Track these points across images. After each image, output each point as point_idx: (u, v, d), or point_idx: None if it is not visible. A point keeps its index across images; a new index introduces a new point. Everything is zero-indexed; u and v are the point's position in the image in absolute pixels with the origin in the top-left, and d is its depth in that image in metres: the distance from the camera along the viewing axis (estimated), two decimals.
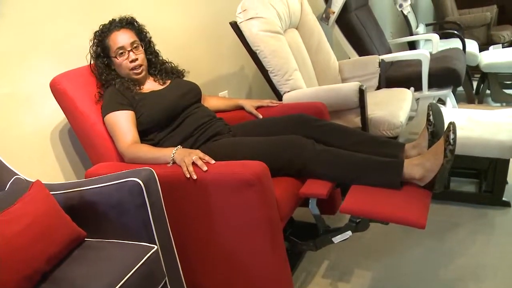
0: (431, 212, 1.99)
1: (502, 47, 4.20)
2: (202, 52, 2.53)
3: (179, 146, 1.48)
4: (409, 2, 3.69)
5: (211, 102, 1.98)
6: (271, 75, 2.18)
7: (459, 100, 3.51)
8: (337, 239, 1.51)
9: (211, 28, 2.56)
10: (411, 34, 3.90)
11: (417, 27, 4.09)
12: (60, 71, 1.62)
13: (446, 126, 1.30)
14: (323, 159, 1.47)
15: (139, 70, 1.70)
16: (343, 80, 2.66)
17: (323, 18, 2.94)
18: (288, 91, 2.18)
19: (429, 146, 1.44)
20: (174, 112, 1.68)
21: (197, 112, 1.75)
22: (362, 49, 3.02)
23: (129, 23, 1.71)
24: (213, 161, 1.39)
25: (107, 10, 1.85)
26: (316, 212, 1.52)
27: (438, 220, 1.97)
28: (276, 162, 1.49)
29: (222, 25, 2.41)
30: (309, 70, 2.49)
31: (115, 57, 1.66)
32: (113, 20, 1.69)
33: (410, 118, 2.72)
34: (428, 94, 2.78)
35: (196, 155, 1.39)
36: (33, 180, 1.28)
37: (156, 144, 1.65)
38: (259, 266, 1.42)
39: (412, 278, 1.63)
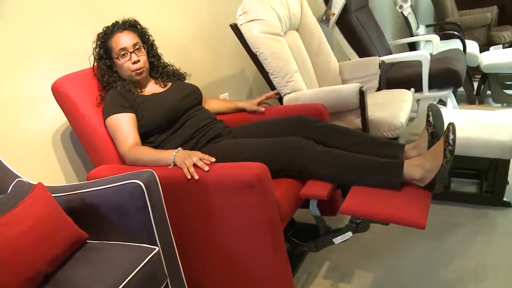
0: (431, 213, 1.99)
1: (503, 48, 4.20)
2: (203, 54, 2.54)
3: (179, 148, 1.49)
4: (409, 3, 3.70)
5: (212, 104, 1.99)
6: (271, 77, 2.19)
7: (459, 100, 3.52)
8: (337, 240, 1.52)
9: (211, 30, 2.57)
10: (412, 35, 3.90)
11: (417, 28, 4.10)
12: (62, 74, 1.63)
13: (445, 126, 1.30)
14: (323, 160, 1.48)
15: (140, 71, 1.71)
16: (344, 82, 2.66)
17: (323, 20, 2.95)
18: (289, 93, 2.19)
19: (429, 146, 1.44)
20: (175, 115, 1.69)
21: (197, 114, 1.75)
22: (362, 51, 3.02)
23: (132, 26, 1.72)
24: (213, 159, 1.40)
25: (109, 13, 1.86)
26: (317, 213, 1.52)
27: (438, 220, 1.97)
28: (277, 163, 1.50)
29: (223, 27, 2.42)
30: (309, 72, 2.50)
31: (117, 58, 1.67)
32: (116, 22, 1.70)
33: (410, 119, 2.73)
34: (429, 95, 2.79)
35: (196, 156, 1.40)
36: (35, 183, 1.29)
37: (157, 146, 1.65)
38: (260, 267, 1.43)
39: (412, 279, 1.64)
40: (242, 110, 1.97)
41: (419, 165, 1.36)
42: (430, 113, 1.45)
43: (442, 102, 3.08)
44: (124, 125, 1.59)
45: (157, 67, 1.83)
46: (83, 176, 1.83)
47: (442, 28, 4.74)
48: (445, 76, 2.80)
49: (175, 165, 1.43)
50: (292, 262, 1.68)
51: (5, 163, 1.45)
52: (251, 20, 2.11)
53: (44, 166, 1.69)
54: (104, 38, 1.68)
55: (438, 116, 1.47)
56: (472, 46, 3.69)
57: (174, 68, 1.89)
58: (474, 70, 3.63)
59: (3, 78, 1.53)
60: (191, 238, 1.49)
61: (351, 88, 2.01)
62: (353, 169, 1.45)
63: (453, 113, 2.31)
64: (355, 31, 3.01)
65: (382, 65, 2.55)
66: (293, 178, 1.55)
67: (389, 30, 4.53)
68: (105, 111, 1.62)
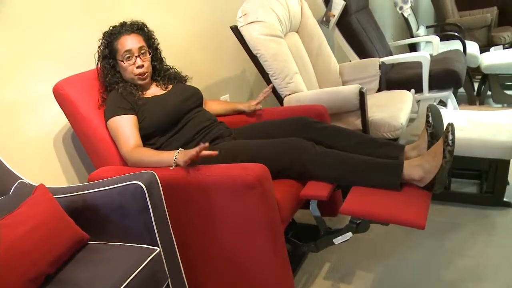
0: (432, 213, 2.00)
1: (503, 49, 4.20)
2: (204, 57, 2.55)
3: (181, 149, 1.49)
4: (409, 5, 3.71)
5: (212, 106, 2.00)
6: (271, 78, 2.19)
7: (460, 101, 3.52)
8: (337, 240, 1.52)
9: (212, 33, 2.58)
10: (412, 36, 3.91)
11: (417, 29, 4.10)
12: (63, 76, 1.63)
13: (445, 127, 1.31)
14: (324, 161, 1.48)
15: (144, 76, 1.72)
16: (344, 83, 2.67)
17: (324, 21, 2.96)
18: (289, 94, 2.20)
19: (429, 147, 1.45)
20: (176, 117, 1.70)
21: (198, 116, 1.76)
22: (362, 52, 3.03)
23: (139, 29, 1.73)
24: (215, 153, 1.40)
25: (110, 16, 1.87)
26: (317, 214, 1.53)
27: (439, 221, 1.97)
28: (277, 164, 1.51)
29: (223, 29, 2.43)
30: (309, 73, 2.51)
31: (122, 60, 1.68)
32: (124, 23, 1.70)
33: (411, 120, 2.73)
34: (429, 96, 2.79)
35: (195, 151, 1.38)
36: (37, 184, 1.29)
37: (158, 148, 1.66)
38: (260, 267, 1.43)
39: (413, 279, 1.64)
40: (242, 112, 1.98)
41: (419, 165, 1.36)
42: (430, 114, 1.46)
43: (443, 103, 3.08)
44: (126, 127, 1.59)
45: (159, 70, 1.83)
46: (84, 177, 1.84)
47: (443, 29, 4.75)
48: (445, 77, 2.80)
49: (176, 165, 1.44)
50: (293, 263, 1.68)
51: (7, 164, 1.46)
52: (251, 22, 2.12)
53: (46, 167, 1.70)
54: (111, 38, 1.68)
55: (438, 117, 1.48)
56: (473, 47, 3.70)
57: (176, 70, 1.90)
58: (475, 71, 3.63)
59: (5, 80, 1.54)
60: (192, 238, 1.50)
61: (351, 89, 2.01)
62: (353, 169, 1.46)
63: (453, 113, 2.31)
64: (355, 32, 3.02)
65: (382, 66, 2.56)
66: (294, 179, 1.56)
67: (389, 31, 4.54)
68: (106, 113, 1.63)
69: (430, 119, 1.45)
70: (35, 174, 1.63)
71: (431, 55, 2.84)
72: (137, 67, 1.69)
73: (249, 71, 2.96)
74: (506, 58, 3.34)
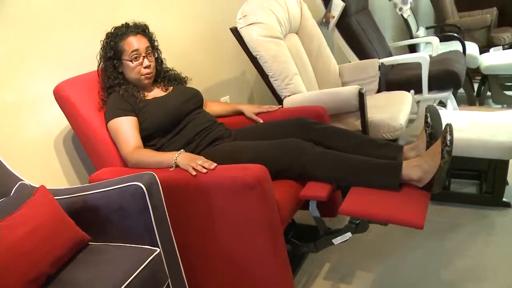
0: (432, 214, 2.00)
1: (503, 49, 4.21)
2: (204, 58, 2.56)
3: (181, 150, 1.50)
4: (409, 6, 3.71)
5: (212, 107, 2.01)
6: (271, 79, 2.20)
7: (460, 102, 3.52)
8: (337, 240, 1.53)
9: (212, 34, 2.59)
10: (412, 37, 3.91)
11: (417, 30, 4.11)
12: (64, 77, 1.64)
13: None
14: (323, 162, 1.49)
15: (150, 76, 1.73)
16: (344, 84, 2.68)
17: (323, 23, 2.96)
18: (289, 95, 2.20)
19: (427, 147, 1.45)
20: (176, 118, 1.71)
21: (198, 117, 1.77)
22: (362, 53, 3.04)
23: (144, 30, 1.74)
24: (214, 165, 1.41)
25: (110, 17, 1.87)
26: (316, 214, 1.53)
27: (438, 221, 1.98)
28: (276, 165, 1.51)
29: (223, 30, 2.44)
30: (309, 75, 2.51)
31: (130, 60, 1.68)
32: (127, 24, 1.71)
33: (411, 121, 2.74)
34: (429, 96, 2.80)
35: (200, 160, 1.42)
36: (38, 186, 1.30)
37: (159, 149, 1.67)
38: (260, 268, 1.44)
39: (413, 279, 1.64)
40: (242, 113, 1.99)
41: (417, 166, 1.37)
42: (428, 115, 1.47)
43: (443, 104, 3.09)
44: (126, 128, 1.60)
45: (159, 72, 1.84)
46: (85, 179, 1.85)
47: (442, 30, 4.75)
48: (444, 77, 2.81)
49: (177, 166, 1.45)
50: (293, 263, 1.69)
51: (7, 166, 1.47)
52: (251, 24, 2.12)
53: (47, 169, 1.71)
54: (116, 39, 1.68)
55: (436, 117, 1.49)
56: (472, 48, 3.71)
57: (176, 72, 1.91)
58: (474, 72, 3.64)
59: (5, 81, 1.55)
60: (192, 239, 1.51)
61: (351, 90, 2.02)
62: (352, 170, 1.46)
63: (453, 114, 2.32)
64: (355, 33, 3.03)
65: (381, 67, 2.57)
66: (293, 179, 1.56)
67: (389, 32, 4.55)
68: (107, 115, 1.64)
69: (428, 119, 1.46)
70: (36, 176, 1.64)
71: (430, 56, 2.85)
72: (145, 67, 1.70)
73: (249, 73, 2.96)
74: (506, 58, 3.35)
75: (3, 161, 1.46)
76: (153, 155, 1.54)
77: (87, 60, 1.77)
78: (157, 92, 1.80)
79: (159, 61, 1.83)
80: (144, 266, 1.16)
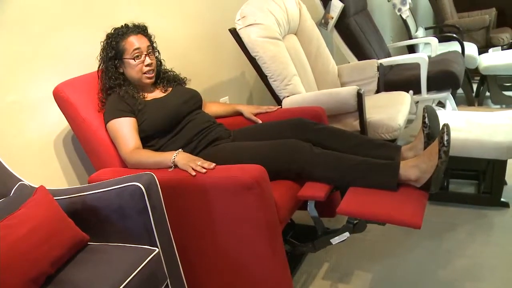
0: (430, 214, 2.01)
1: (501, 50, 4.22)
2: (203, 59, 2.56)
3: (179, 150, 1.51)
4: (408, 6, 3.72)
5: (211, 108, 2.01)
6: (270, 80, 2.21)
7: (459, 102, 3.53)
8: (335, 240, 1.53)
9: (211, 35, 2.60)
10: (411, 38, 3.93)
11: (416, 30, 4.12)
12: (63, 79, 1.65)
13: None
14: (321, 162, 1.50)
15: (152, 75, 1.74)
16: (342, 85, 2.68)
17: (322, 24, 2.97)
18: (287, 96, 2.21)
19: (425, 148, 1.46)
20: (175, 119, 1.72)
21: (197, 118, 1.78)
22: (361, 54, 3.04)
23: (143, 30, 1.75)
24: (213, 165, 1.42)
25: (110, 19, 1.88)
26: (314, 214, 1.54)
27: (437, 221, 1.98)
28: (275, 165, 1.52)
29: (222, 31, 2.44)
30: (308, 75, 2.52)
31: (132, 59, 1.68)
32: (127, 25, 1.72)
33: (409, 121, 2.74)
34: (427, 97, 2.81)
35: (199, 161, 1.43)
36: (37, 186, 1.31)
37: (158, 150, 1.67)
38: (259, 268, 1.44)
39: (411, 279, 1.65)
40: (241, 113, 1.99)
41: (415, 166, 1.37)
42: (426, 115, 1.47)
43: (442, 104, 3.10)
44: (125, 129, 1.61)
45: (158, 73, 1.85)
46: (84, 179, 1.85)
47: (441, 30, 4.76)
48: (443, 78, 2.82)
49: (176, 166, 1.46)
50: (292, 263, 1.69)
51: (7, 166, 1.47)
52: (249, 25, 2.13)
53: (46, 169, 1.71)
54: (117, 39, 1.68)
55: (434, 118, 1.49)
56: (471, 48, 3.71)
57: (175, 73, 1.91)
58: (473, 72, 3.65)
59: (6, 82, 1.56)
60: (191, 239, 1.51)
61: (349, 90, 2.03)
62: (350, 170, 1.47)
63: (451, 114, 2.32)
64: (354, 34, 3.04)
65: (380, 67, 2.57)
66: (292, 179, 1.57)
67: (388, 32, 4.56)
68: (106, 116, 1.65)
69: (426, 120, 1.47)
70: (36, 176, 1.65)
71: (429, 57, 2.86)
72: (146, 65, 1.71)
73: (248, 73, 2.97)
74: (505, 59, 3.36)
75: (3, 162, 1.47)
76: (152, 156, 1.55)
77: (87, 61, 1.77)
78: (156, 93, 1.80)
79: (158, 62, 1.84)
80: (143, 266, 1.16)
